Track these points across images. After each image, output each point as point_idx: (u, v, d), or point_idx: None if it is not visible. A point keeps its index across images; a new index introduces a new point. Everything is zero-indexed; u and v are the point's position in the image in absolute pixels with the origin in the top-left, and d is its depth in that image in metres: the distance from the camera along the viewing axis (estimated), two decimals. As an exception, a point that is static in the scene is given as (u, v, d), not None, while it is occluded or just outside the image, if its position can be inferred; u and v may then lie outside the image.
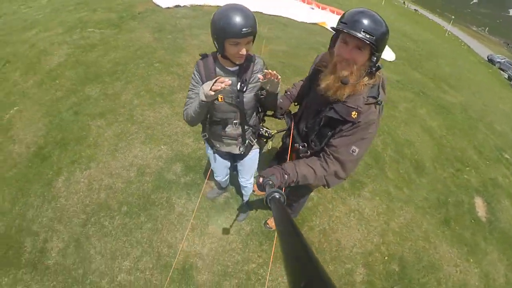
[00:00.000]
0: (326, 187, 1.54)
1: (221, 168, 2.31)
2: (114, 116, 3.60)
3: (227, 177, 2.56)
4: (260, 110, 1.89)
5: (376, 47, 1.23)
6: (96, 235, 2.51)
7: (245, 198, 2.74)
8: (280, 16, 8.36)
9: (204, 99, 1.44)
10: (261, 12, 8.38)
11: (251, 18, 1.39)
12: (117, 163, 3.07)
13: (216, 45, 1.50)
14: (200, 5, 7.40)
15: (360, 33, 1.21)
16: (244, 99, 1.68)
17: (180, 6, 7.18)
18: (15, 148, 3.21)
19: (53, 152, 3.15)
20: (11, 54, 5.31)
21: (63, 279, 2.26)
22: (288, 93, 1.93)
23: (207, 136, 1.97)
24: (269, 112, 1.94)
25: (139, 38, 5.35)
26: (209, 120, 1.83)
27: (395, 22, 16.12)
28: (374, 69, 1.31)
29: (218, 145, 2.01)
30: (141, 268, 2.35)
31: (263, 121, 2.00)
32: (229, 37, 1.42)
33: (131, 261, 2.38)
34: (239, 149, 1.94)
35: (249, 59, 1.63)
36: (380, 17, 1.24)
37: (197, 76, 1.65)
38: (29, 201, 2.71)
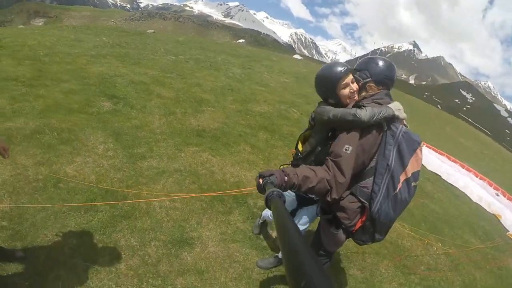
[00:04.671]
0: (329, 196, 1.62)
1: (289, 201, 2.49)
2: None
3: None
4: None
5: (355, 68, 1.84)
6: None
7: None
8: (457, 187, 7.98)
9: None
10: (440, 176, 8.30)
11: (344, 63, 1.92)
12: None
13: (331, 98, 1.89)
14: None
15: None
16: None
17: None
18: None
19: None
20: (236, 88, 8.32)
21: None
22: None
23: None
24: None
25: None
26: (316, 160, 2.05)
27: None
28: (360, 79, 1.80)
29: None
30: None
31: None
32: (338, 81, 1.80)
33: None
34: None
35: None
36: (381, 58, 1.71)
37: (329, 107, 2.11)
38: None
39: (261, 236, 3.22)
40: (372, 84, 1.79)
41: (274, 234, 3.27)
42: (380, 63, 1.79)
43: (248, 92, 8.38)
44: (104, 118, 4.52)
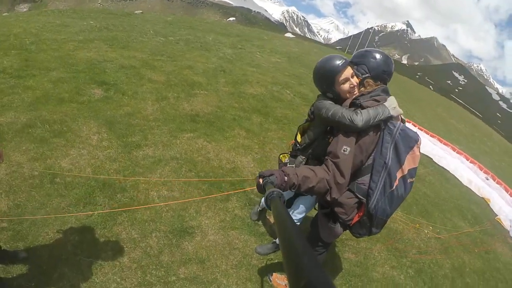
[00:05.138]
0: (329, 195, 1.65)
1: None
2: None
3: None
4: None
5: (353, 62, 1.79)
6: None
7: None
8: (447, 170, 8.14)
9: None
10: (431, 158, 8.43)
11: (342, 56, 1.81)
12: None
13: (329, 93, 1.85)
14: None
15: None
16: None
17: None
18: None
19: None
20: (228, 69, 8.06)
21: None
22: None
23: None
24: None
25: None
26: (313, 153, 2.03)
27: None
28: (359, 74, 1.76)
29: None
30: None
31: None
32: (335, 75, 1.73)
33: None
34: None
35: None
36: (377, 50, 1.73)
37: (331, 102, 1.88)
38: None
39: (259, 222, 3.27)
40: (370, 80, 1.76)
41: (272, 219, 3.32)
42: (378, 56, 1.76)
43: (240, 73, 8.25)
44: (96, 106, 4.42)
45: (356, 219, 1.82)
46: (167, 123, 4.54)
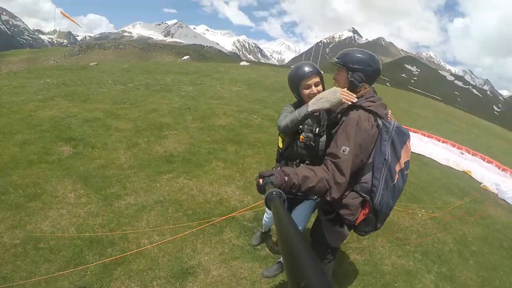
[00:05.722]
0: (328, 195, 1.65)
1: None
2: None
3: None
4: None
5: (348, 68, 1.75)
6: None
7: None
8: (424, 155, 8.30)
9: (312, 109, 1.77)
10: None
11: (314, 65, 1.95)
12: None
13: (295, 94, 2.08)
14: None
15: (334, 60, 1.81)
16: (320, 143, 2.04)
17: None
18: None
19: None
20: (193, 106, 8.07)
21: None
22: None
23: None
24: None
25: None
26: (287, 156, 2.16)
27: None
28: (356, 83, 1.76)
29: None
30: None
31: None
32: (301, 80, 1.93)
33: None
34: None
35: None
36: (362, 51, 1.74)
37: (290, 107, 2.12)
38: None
39: (259, 247, 3.20)
40: (366, 85, 1.81)
41: (274, 238, 3.27)
42: (370, 60, 1.77)
43: (205, 107, 8.28)
44: (67, 164, 4.25)
45: (361, 217, 1.84)
46: (143, 169, 4.42)
